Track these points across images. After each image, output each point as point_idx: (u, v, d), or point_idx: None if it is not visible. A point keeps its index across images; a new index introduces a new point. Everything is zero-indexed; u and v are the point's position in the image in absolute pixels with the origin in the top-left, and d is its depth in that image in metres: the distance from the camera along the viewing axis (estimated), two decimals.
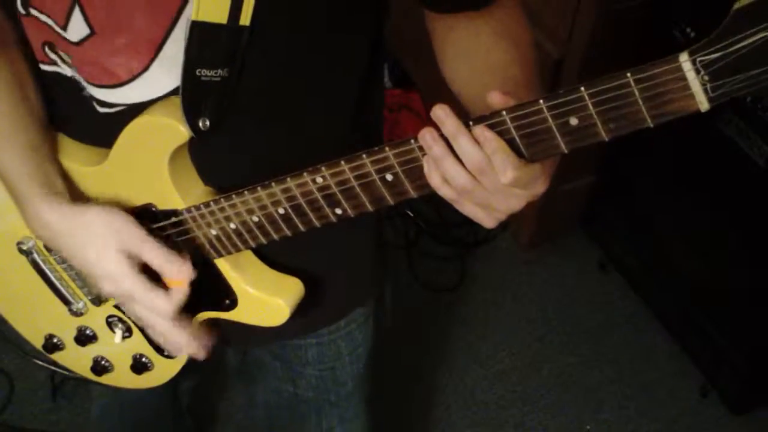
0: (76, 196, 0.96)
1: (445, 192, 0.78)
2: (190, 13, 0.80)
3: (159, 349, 1.08)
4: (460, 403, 2.30)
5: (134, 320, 1.06)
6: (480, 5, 0.91)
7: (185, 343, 0.99)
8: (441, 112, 0.74)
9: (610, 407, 2.30)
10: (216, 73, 0.83)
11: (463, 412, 2.29)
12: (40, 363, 1.21)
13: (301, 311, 1.00)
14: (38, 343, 1.15)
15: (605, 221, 2.54)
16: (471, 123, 0.74)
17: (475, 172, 0.75)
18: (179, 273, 0.92)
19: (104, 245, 0.91)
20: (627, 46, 2.14)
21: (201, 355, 1.00)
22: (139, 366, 1.10)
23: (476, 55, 0.92)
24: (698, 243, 2.24)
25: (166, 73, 0.86)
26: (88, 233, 0.91)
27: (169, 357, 1.08)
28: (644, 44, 2.12)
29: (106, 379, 1.15)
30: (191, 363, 1.09)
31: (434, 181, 0.77)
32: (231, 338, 1.16)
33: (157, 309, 0.93)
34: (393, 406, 2.20)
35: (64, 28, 0.85)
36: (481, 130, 0.73)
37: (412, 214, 2.62)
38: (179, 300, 0.93)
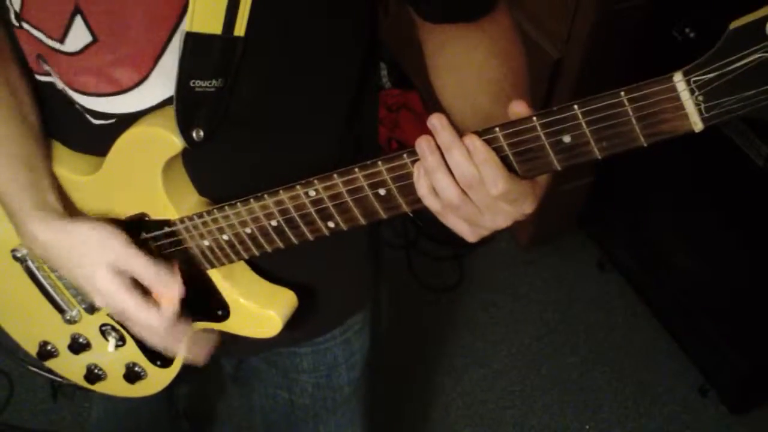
0: (69, 207, 0.96)
1: (430, 202, 0.77)
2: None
3: (152, 359, 1.08)
4: (459, 403, 2.31)
5: (130, 332, 1.06)
6: (473, 17, 0.91)
7: (183, 352, 0.99)
8: (437, 122, 0.73)
9: (609, 407, 2.30)
10: (210, 83, 0.82)
11: (462, 412, 2.29)
12: (35, 370, 1.21)
13: (295, 321, 1.00)
14: (32, 349, 1.15)
15: (604, 221, 2.54)
16: (462, 137, 0.74)
17: (465, 186, 0.74)
18: (168, 290, 0.91)
19: (95, 261, 0.90)
20: (626, 46, 2.14)
21: (200, 360, 1.01)
22: (132, 375, 1.10)
23: (468, 70, 0.92)
24: (697, 242, 2.24)
25: (163, 82, 0.85)
26: (79, 249, 0.91)
27: (162, 366, 1.07)
28: (643, 44, 2.11)
29: (99, 387, 1.15)
30: (186, 370, 1.09)
31: (422, 190, 0.77)
32: (223, 349, 1.16)
33: (150, 324, 0.92)
34: (392, 407, 2.20)
35: (62, 39, 0.85)
36: (471, 140, 0.72)
37: (411, 215, 2.61)
38: (170, 314, 0.92)
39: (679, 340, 2.39)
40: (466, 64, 0.92)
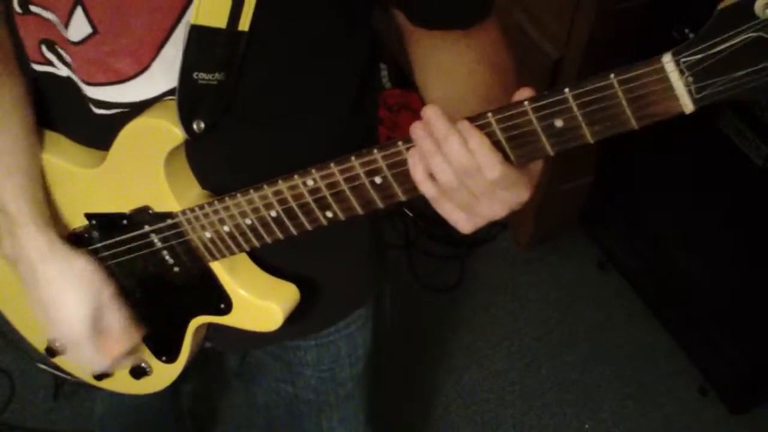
0: (70, 201, 0.99)
1: (426, 188, 0.77)
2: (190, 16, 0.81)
3: (158, 355, 1.08)
4: (459, 403, 2.31)
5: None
6: (465, 24, 0.92)
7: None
8: (432, 113, 0.74)
9: (609, 406, 2.30)
10: (213, 76, 0.84)
11: (462, 412, 2.29)
12: (43, 367, 1.21)
13: (298, 314, 1.00)
14: (41, 346, 1.16)
15: (604, 221, 2.54)
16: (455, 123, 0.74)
17: (462, 173, 0.74)
18: (121, 345, 1.02)
19: (82, 295, 0.97)
20: (626, 46, 2.14)
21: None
22: (138, 371, 1.10)
23: (457, 75, 0.92)
24: (697, 242, 2.24)
25: (164, 73, 0.86)
26: (70, 278, 0.97)
27: (167, 362, 1.08)
28: (643, 45, 2.12)
29: (105, 384, 1.16)
30: (191, 367, 1.09)
31: (417, 175, 0.76)
32: (229, 343, 1.16)
33: (90, 364, 1.04)
34: (393, 406, 2.20)
35: (65, 26, 0.86)
36: (464, 126, 0.73)
37: (411, 214, 2.62)
38: (113, 357, 1.02)
39: (679, 340, 2.39)
40: (454, 69, 0.92)
